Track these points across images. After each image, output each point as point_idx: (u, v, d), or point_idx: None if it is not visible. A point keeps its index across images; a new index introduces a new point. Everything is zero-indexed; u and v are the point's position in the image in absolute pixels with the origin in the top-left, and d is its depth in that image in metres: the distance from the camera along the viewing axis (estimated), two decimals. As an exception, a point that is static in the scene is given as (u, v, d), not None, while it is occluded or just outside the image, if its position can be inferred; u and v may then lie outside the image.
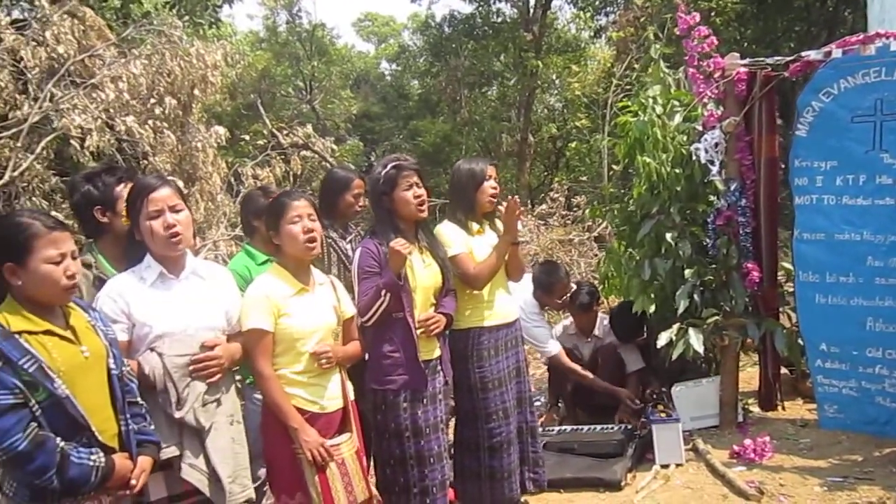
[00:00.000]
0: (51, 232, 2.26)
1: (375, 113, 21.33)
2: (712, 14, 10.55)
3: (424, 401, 3.35)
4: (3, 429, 2.11)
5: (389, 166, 3.43)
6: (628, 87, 11.75)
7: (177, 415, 2.59)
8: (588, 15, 17.09)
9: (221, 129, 7.71)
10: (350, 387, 3.16)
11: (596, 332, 5.27)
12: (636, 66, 12.31)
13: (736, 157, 4.64)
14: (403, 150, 18.95)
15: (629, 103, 5.33)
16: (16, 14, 8.72)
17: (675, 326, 4.62)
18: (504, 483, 3.66)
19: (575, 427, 4.92)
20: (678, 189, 4.83)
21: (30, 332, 2.22)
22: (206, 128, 7.73)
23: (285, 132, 11.56)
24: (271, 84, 18.33)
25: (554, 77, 17.56)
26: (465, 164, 3.82)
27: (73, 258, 2.32)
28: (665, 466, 4.29)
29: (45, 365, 2.19)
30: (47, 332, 2.25)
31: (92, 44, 7.01)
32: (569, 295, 5.21)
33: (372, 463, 3.52)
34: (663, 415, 4.47)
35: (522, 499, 3.84)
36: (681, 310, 4.60)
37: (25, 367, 2.15)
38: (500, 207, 3.73)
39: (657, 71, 5.20)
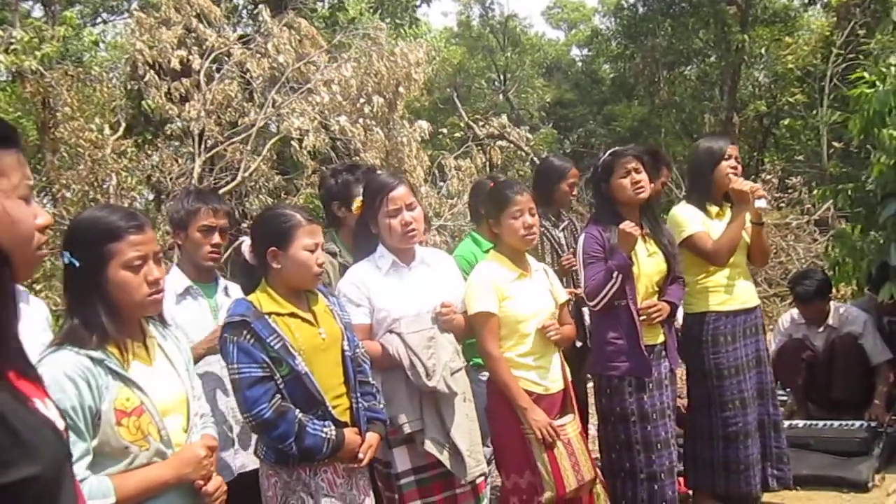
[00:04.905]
0: (309, 224, 2.49)
1: (569, 100, 21.08)
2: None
3: (650, 386, 3.29)
4: (253, 398, 2.34)
5: (607, 154, 3.43)
6: (852, 56, 10.74)
7: (430, 384, 2.72)
8: (800, -19, 15.82)
9: (425, 124, 7.92)
10: (567, 369, 3.20)
11: (830, 321, 4.84)
12: (860, 32, 11.21)
13: None
14: (598, 135, 18.61)
15: (864, 74, 4.83)
16: (240, 30, 9.55)
17: (929, 315, 4.15)
18: (740, 476, 3.50)
19: (809, 422, 4.56)
20: (931, 165, 4.31)
21: (277, 314, 2.44)
22: (410, 123, 8.01)
23: (481, 123, 11.71)
24: (466, 77, 18.72)
25: (762, 51, 16.40)
26: (704, 143, 3.73)
27: (322, 249, 2.52)
28: (920, 470, 3.88)
29: (288, 343, 2.39)
30: (292, 315, 2.47)
31: (307, 51, 7.47)
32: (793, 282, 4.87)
33: (596, 447, 3.50)
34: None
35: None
36: (935, 297, 4.12)
37: (272, 344, 2.37)
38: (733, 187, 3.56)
39: (900, 36, 4.67)
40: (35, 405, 1.12)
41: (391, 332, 2.81)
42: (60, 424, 1.17)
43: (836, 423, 4.41)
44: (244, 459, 2.87)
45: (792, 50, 14.69)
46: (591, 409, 4.03)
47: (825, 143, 11.87)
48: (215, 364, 2.85)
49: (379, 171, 3.41)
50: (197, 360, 2.52)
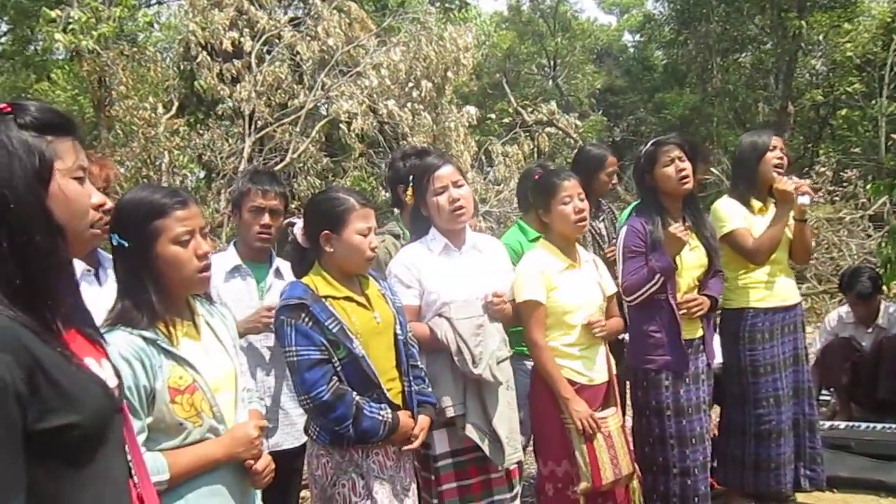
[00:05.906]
0: (363, 207, 2.51)
1: (619, 87, 20.79)
2: None
3: (687, 380, 3.28)
4: (312, 380, 2.37)
5: (649, 143, 3.41)
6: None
7: (475, 371, 2.73)
8: (862, -35, 15.27)
9: (473, 109, 7.90)
10: (612, 362, 3.19)
11: (879, 321, 4.74)
12: (924, 19, 10.84)
13: None
14: (649, 123, 18.34)
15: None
16: (291, 13, 9.63)
17: None
18: (770, 474, 3.48)
19: (850, 423, 4.49)
20: None
21: (333, 298, 2.47)
22: (458, 108, 7.99)
23: (530, 110, 11.64)
24: (515, 63, 18.62)
25: (820, 37, 15.91)
26: (748, 136, 3.68)
27: (374, 233, 2.54)
28: (965, 476, 3.79)
29: (345, 326, 2.43)
30: (347, 298, 2.50)
31: (356, 35, 7.51)
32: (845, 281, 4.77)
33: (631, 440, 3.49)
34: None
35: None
36: None
37: (330, 327, 2.40)
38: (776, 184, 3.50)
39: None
40: (84, 362, 1.21)
41: (440, 315, 2.83)
42: (112, 382, 1.26)
43: (878, 426, 4.34)
44: (277, 438, 2.93)
45: (851, 37, 14.25)
46: (628, 402, 4.02)
47: (883, 134, 11.55)
48: (259, 341, 2.92)
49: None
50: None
